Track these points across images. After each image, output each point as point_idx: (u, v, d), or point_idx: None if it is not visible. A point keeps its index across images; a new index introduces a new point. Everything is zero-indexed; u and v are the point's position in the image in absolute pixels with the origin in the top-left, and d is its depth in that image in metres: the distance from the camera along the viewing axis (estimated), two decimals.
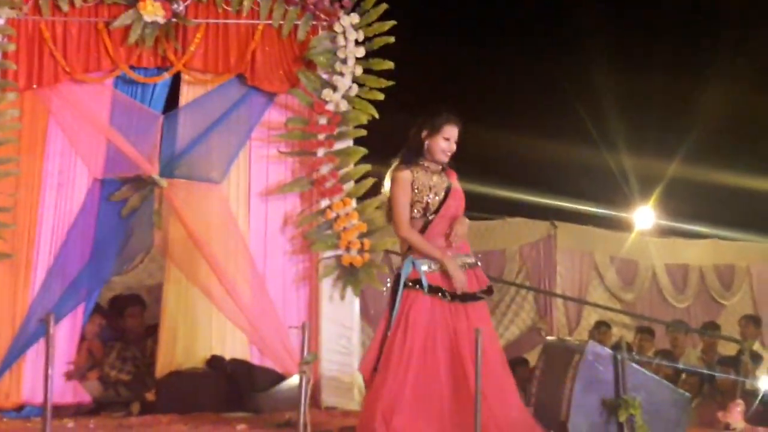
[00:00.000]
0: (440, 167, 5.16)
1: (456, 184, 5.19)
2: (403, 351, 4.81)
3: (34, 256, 6.44)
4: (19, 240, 6.40)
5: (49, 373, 3.43)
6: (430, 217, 5.04)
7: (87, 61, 6.63)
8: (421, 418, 4.73)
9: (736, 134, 12.08)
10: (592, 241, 11.61)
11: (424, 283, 4.92)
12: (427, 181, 5.06)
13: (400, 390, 4.75)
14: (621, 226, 12.17)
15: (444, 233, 5.03)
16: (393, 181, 5.07)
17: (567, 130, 11.70)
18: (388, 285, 5.23)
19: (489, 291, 5.12)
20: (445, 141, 5.08)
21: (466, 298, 4.98)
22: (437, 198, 5.05)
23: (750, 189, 11.25)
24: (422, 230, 5.04)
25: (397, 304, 4.91)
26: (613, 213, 12.11)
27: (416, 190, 5.04)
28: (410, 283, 4.95)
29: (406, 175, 5.05)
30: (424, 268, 4.97)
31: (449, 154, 5.13)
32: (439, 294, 4.93)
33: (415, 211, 5.05)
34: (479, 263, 5.22)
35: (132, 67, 6.78)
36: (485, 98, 11.44)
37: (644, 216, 12.27)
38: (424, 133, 5.09)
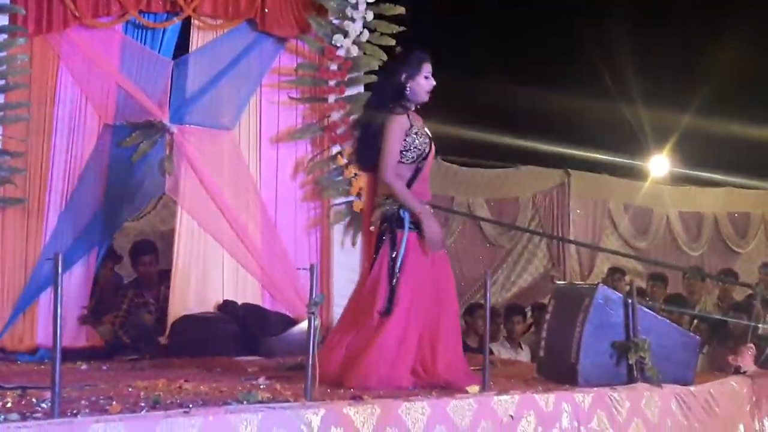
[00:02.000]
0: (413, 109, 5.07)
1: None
2: (408, 295, 4.80)
3: (45, 202, 6.42)
4: (30, 185, 6.39)
5: (59, 312, 3.42)
6: (420, 165, 4.96)
7: (96, 6, 6.53)
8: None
9: (752, 83, 11.97)
10: (606, 189, 11.59)
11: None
12: (417, 127, 4.98)
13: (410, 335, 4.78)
14: (635, 174, 12.12)
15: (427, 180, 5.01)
16: (390, 125, 4.90)
17: (582, 79, 11.62)
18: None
19: None
20: (426, 79, 4.98)
21: None
22: (427, 142, 4.97)
23: (765, 137, 11.14)
24: (414, 177, 4.94)
25: (401, 246, 4.85)
26: (628, 161, 12.05)
27: (413, 136, 4.92)
28: (412, 226, 4.87)
29: (404, 120, 4.94)
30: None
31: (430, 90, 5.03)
32: None
33: (409, 156, 4.92)
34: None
35: (141, 12, 6.69)
36: (499, 47, 11.35)
37: (659, 164, 12.22)
38: (403, 76, 4.97)
